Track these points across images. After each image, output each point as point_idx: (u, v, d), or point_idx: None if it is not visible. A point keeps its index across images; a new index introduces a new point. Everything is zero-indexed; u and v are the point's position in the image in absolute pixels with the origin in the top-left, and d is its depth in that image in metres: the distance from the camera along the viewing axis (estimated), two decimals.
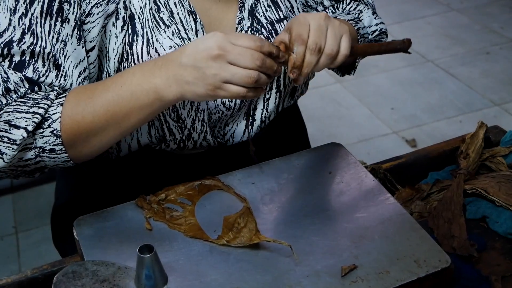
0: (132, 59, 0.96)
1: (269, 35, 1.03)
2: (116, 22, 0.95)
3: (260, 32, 1.03)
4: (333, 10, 1.18)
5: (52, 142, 0.88)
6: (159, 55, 0.95)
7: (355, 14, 1.16)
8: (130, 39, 0.96)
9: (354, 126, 2.67)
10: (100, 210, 0.94)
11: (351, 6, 1.19)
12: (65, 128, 0.88)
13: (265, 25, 1.04)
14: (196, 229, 0.89)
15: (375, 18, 1.19)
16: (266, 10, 1.05)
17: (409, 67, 3.05)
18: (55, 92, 0.90)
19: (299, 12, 1.10)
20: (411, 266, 0.82)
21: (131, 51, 0.96)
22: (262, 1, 1.04)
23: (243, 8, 1.03)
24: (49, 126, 0.88)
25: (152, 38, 0.96)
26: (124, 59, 0.96)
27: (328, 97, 2.86)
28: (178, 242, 0.88)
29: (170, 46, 0.96)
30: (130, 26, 0.95)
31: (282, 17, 1.05)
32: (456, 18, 3.49)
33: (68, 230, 1.07)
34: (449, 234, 0.95)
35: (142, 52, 0.96)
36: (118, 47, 0.96)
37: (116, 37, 0.95)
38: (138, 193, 0.96)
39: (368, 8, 1.19)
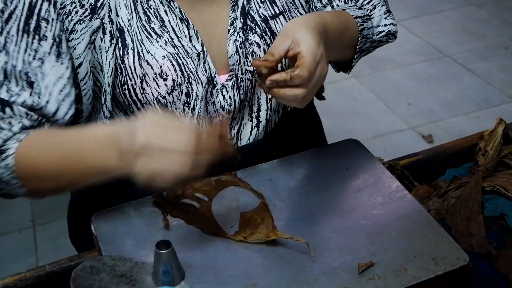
0: (126, 73, 0.96)
1: (263, 33, 1.01)
2: (103, 37, 0.94)
3: (254, 31, 1.00)
4: (346, 0, 1.12)
5: (8, 175, 0.88)
6: (151, 67, 0.95)
7: (367, 11, 1.10)
8: (121, 53, 0.95)
9: (370, 122, 2.65)
10: (114, 205, 0.94)
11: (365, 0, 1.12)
12: (18, 166, 0.87)
13: (258, 23, 1.01)
14: (213, 225, 0.90)
15: (385, 18, 1.12)
16: (260, 7, 1.01)
17: (426, 62, 3.02)
18: (20, 125, 0.89)
19: (301, 3, 1.06)
20: (428, 264, 0.82)
21: (124, 65, 0.96)
22: None
23: (235, 7, 1.00)
24: (3, 159, 0.88)
25: (142, 51, 0.95)
26: (119, 73, 0.96)
27: (344, 92, 2.84)
28: (195, 238, 0.88)
29: (163, 56, 0.95)
30: (120, 40, 0.95)
31: (277, 12, 1.02)
32: (474, 13, 3.45)
33: (84, 226, 1.07)
34: (467, 231, 0.94)
35: (134, 66, 0.95)
36: (109, 61, 0.95)
37: (106, 51, 0.95)
38: (150, 191, 0.96)
39: (382, 5, 1.13)
